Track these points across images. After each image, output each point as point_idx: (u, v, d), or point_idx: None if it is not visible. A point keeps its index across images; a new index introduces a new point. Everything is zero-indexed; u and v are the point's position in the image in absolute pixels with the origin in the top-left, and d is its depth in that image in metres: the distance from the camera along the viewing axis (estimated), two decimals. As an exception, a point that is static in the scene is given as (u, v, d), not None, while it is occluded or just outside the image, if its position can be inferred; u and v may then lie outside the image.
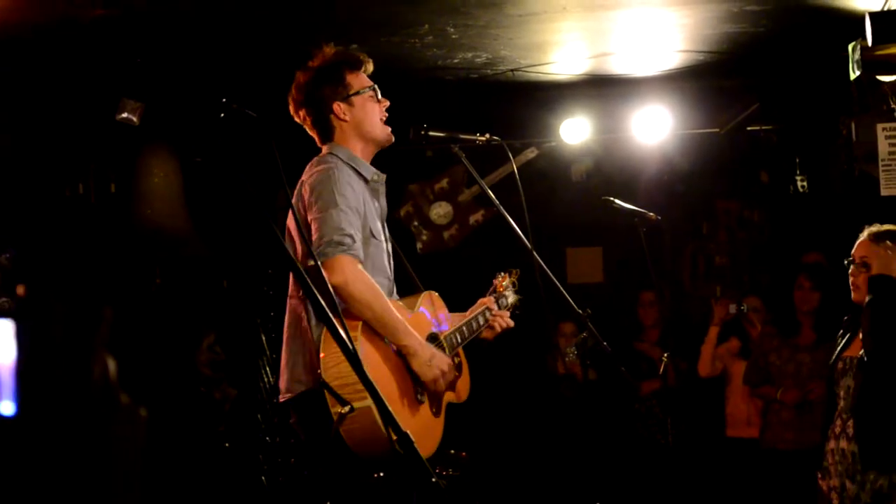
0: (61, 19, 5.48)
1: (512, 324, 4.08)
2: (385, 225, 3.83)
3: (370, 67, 3.83)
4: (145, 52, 6.17)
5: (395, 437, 2.52)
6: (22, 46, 5.95)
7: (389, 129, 3.80)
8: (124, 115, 6.42)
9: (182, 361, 7.09)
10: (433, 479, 2.52)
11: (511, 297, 4.23)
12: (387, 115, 3.81)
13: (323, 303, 2.62)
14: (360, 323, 3.42)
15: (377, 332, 3.48)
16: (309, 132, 3.83)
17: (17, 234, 6.26)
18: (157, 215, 7.50)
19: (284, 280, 3.72)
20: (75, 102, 6.76)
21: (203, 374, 7.12)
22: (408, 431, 2.53)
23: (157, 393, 6.87)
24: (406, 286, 3.96)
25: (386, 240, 3.79)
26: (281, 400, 3.64)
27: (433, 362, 3.57)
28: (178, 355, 7.09)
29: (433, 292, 3.90)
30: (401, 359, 3.55)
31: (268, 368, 7.38)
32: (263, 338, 7.38)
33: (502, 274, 4.31)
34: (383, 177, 3.80)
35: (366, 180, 3.70)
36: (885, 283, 4.50)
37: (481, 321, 3.97)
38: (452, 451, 4.81)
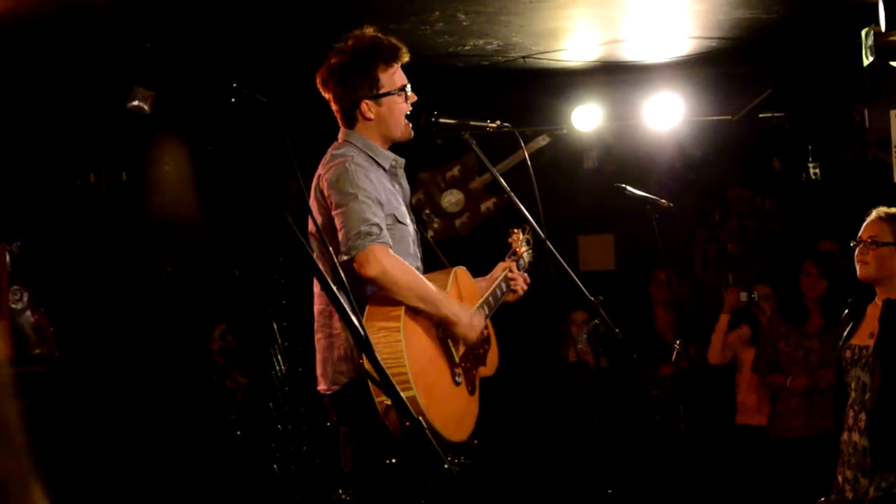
0: (72, 8, 5.48)
1: (527, 284, 4.08)
2: (410, 207, 3.83)
3: (406, 58, 3.77)
4: (155, 40, 6.16)
5: (407, 423, 2.52)
6: (33, 36, 5.95)
7: (410, 125, 3.77)
8: (135, 103, 6.42)
9: (194, 350, 7.11)
10: (446, 466, 2.52)
11: (527, 256, 4.21)
12: (411, 108, 3.78)
13: (344, 302, 2.59)
14: (403, 308, 3.43)
15: (421, 312, 3.50)
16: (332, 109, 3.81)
17: (28, 223, 6.27)
18: (168, 204, 7.50)
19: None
20: (86, 91, 6.76)
21: (215, 363, 7.14)
22: (420, 418, 2.53)
23: (169, 382, 6.89)
24: (432, 265, 3.96)
25: (412, 222, 3.79)
26: (327, 393, 3.63)
27: (474, 323, 3.67)
28: (189, 344, 7.11)
29: (461, 268, 3.88)
30: (440, 344, 3.59)
31: (279, 357, 7.38)
32: (275, 326, 7.38)
33: (515, 230, 4.27)
34: (402, 161, 3.80)
35: (384, 168, 3.70)
36: None
37: (504, 287, 3.98)
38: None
